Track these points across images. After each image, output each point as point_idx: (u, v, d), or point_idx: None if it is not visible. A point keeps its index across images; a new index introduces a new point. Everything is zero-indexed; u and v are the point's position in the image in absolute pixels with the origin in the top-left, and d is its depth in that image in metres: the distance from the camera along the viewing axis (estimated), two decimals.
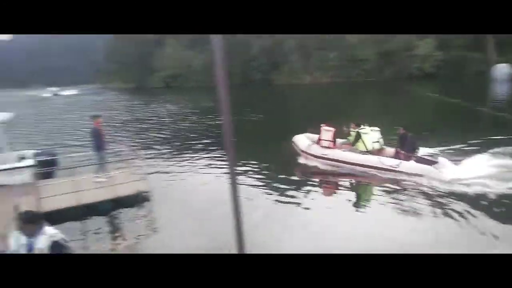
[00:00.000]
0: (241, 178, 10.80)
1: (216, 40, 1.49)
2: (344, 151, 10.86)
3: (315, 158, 11.10)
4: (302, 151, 11.62)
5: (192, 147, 16.40)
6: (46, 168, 10.63)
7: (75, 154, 12.25)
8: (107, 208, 9.02)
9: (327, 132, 11.15)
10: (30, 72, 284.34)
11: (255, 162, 12.44)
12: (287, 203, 9.03)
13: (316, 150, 11.19)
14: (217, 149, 14.87)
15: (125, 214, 8.93)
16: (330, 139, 11.09)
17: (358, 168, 10.30)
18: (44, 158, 11.10)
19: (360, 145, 10.56)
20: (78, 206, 8.63)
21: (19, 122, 13.01)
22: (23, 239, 3.45)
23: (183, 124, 24.45)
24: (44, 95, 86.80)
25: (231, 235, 1.61)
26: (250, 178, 10.96)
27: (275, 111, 27.20)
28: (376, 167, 10.00)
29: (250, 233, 1.74)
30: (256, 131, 20.45)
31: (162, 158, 14.67)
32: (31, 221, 3.48)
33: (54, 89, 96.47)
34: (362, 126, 10.75)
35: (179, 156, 14.87)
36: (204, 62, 76.06)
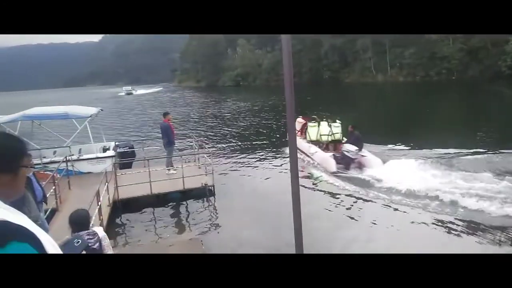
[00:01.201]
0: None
1: (285, 39, 1.47)
2: (300, 138, 12.92)
3: None
4: None
5: (259, 144, 16.60)
6: (125, 159, 11.60)
7: (149, 147, 13.19)
8: (175, 199, 9.54)
9: (298, 123, 13.57)
10: (116, 71, 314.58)
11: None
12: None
13: None
14: (281, 147, 14.85)
15: (191, 205, 9.34)
16: (298, 129, 13.47)
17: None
18: (124, 150, 12.12)
19: (308, 136, 12.83)
20: (150, 196, 9.25)
21: (103, 116, 14.35)
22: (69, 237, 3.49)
23: (251, 121, 24.90)
24: (119, 93, 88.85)
25: (290, 233, 1.63)
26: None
27: (345, 111, 26.36)
28: (304, 152, 12.43)
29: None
30: None
31: (228, 153, 15.08)
32: (74, 222, 3.56)
33: (128, 88, 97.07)
34: (313, 121, 12.97)
35: (245, 152, 15.16)
36: (273, 61, 76.89)
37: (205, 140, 16.14)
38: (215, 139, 18.57)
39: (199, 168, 11.10)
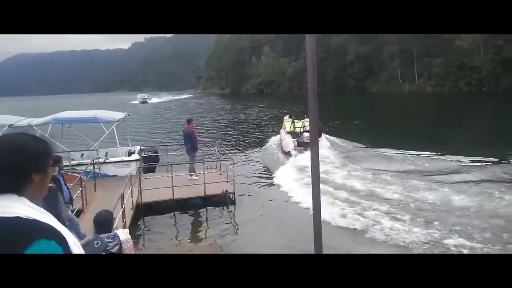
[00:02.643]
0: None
1: (309, 45, 1.49)
2: (282, 131, 17.07)
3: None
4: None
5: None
6: (149, 164, 11.85)
7: (173, 153, 13.43)
8: (196, 204, 9.64)
9: (286, 121, 17.52)
10: (143, 77, 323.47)
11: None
12: None
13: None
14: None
15: (211, 212, 9.41)
16: (283, 124, 17.78)
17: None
18: (148, 154, 12.40)
19: (284, 128, 16.95)
20: (172, 200, 9.40)
21: (129, 120, 14.75)
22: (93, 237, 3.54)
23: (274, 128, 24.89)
24: (132, 101, 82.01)
25: (309, 243, 1.65)
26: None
27: (370, 119, 25.92)
28: (281, 138, 16.42)
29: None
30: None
31: (250, 160, 15.11)
32: (97, 223, 3.61)
33: (144, 95, 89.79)
34: (287, 118, 17.76)
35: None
36: (296, 69, 76.88)
37: (228, 146, 16.25)
38: (238, 146, 18.68)
39: (221, 174, 11.19)
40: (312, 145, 1.69)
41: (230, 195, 9.84)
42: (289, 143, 14.85)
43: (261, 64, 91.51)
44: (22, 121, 12.05)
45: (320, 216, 1.64)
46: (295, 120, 16.40)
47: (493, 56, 47.33)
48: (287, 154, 14.34)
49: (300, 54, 77.03)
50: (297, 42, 74.79)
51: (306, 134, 14.99)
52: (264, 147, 17.32)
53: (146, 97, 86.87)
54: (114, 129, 11.75)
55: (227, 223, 8.77)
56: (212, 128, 27.61)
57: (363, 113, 30.88)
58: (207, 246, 7.41)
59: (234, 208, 9.58)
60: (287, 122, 16.90)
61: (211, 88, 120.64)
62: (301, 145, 14.71)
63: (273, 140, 17.85)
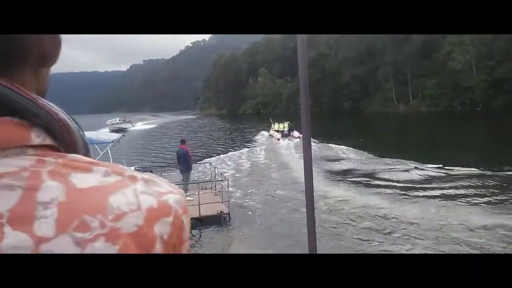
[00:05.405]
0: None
1: (301, 47, 1.52)
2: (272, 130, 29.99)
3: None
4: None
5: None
6: None
7: (167, 173, 13.37)
8: (191, 226, 9.50)
9: (273, 124, 30.68)
10: (141, 98, 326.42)
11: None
12: None
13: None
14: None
15: (206, 233, 9.28)
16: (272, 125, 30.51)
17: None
18: None
19: (273, 127, 29.87)
20: None
21: (123, 141, 14.71)
22: None
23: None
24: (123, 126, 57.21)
25: None
26: None
27: (366, 139, 26.06)
28: (271, 133, 29.88)
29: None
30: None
31: (244, 181, 15.04)
32: None
33: (115, 121, 61.80)
34: (272, 121, 31.75)
35: (262, 179, 15.08)
36: (293, 90, 77.88)
37: (218, 167, 16.20)
38: (233, 166, 18.63)
39: (215, 195, 11.11)
40: (304, 144, 1.71)
41: (225, 216, 9.74)
42: (277, 135, 27.56)
43: (258, 85, 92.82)
44: None
45: (314, 215, 1.62)
46: (279, 124, 29.66)
47: (486, 78, 48.21)
48: (277, 140, 26.45)
49: (295, 76, 78.17)
50: (292, 64, 76.12)
51: (287, 131, 27.76)
52: (258, 136, 32.64)
53: (120, 122, 59.21)
54: (109, 150, 11.74)
55: (221, 245, 8.63)
56: (209, 146, 27.71)
57: (360, 132, 31.03)
58: None
59: (229, 229, 9.45)
60: (274, 124, 30.26)
61: (208, 109, 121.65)
62: (283, 136, 26.96)
63: (262, 133, 33.14)
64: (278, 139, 26.09)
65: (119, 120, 59.22)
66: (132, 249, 0.44)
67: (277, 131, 28.19)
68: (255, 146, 25.68)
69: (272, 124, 30.58)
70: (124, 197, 0.45)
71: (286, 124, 28.35)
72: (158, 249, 0.48)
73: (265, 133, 32.26)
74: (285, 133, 27.19)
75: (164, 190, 0.52)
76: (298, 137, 24.28)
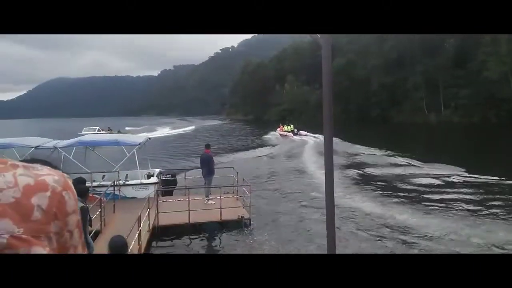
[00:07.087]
0: None
1: (325, 46, 1.55)
2: (280, 130, 41.90)
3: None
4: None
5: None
6: (167, 187, 12.00)
7: (191, 176, 13.57)
8: (211, 229, 9.60)
9: (280, 127, 42.48)
10: (170, 103, 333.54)
11: None
12: None
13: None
14: None
15: (226, 237, 9.34)
16: (280, 127, 42.71)
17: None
18: (166, 177, 12.58)
19: (282, 128, 42.00)
20: (188, 224, 9.41)
21: (150, 144, 14.98)
22: None
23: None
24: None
25: None
26: None
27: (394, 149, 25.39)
28: (280, 132, 41.43)
29: None
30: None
31: (268, 186, 15.02)
32: (111, 249, 3.68)
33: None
34: (283, 124, 42.83)
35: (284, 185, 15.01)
36: (320, 98, 76.92)
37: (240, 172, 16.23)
38: (257, 171, 18.67)
39: (237, 200, 11.16)
40: (326, 149, 1.82)
41: (246, 221, 9.76)
42: (289, 134, 38.04)
43: (285, 92, 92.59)
44: (48, 143, 12.49)
45: (334, 216, 1.66)
46: (287, 125, 40.80)
47: None
48: (291, 137, 35.79)
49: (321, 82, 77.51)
50: (320, 71, 75.36)
51: (295, 131, 38.42)
52: (268, 136, 40.24)
53: (98, 133, 40.91)
54: (135, 152, 12.05)
55: (241, 249, 8.65)
56: (228, 152, 27.89)
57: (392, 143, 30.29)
58: None
59: (249, 234, 9.46)
60: (283, 126, 41.16)
61: (235, 114, 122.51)
62: (294, 135, 36.92)
63: (272, 133, 41.66)
64: (292, 136, 36.58)
65: (97, 131, 48.10)
66: (10, 214, 0.59)
67: (287, 131, 39.44)
68: (269, 145, 32.14)
69: (281, 125, 41.97)
70: (3, 178, 0.62)
71: (291, 126, 40.46)
72: (37, 215, 0.62)
73: (274, 132, 41.44)
74: (295, 132, 38.12)
75: (44, 173, 0.66)
76: (306, 135, 36.28)
